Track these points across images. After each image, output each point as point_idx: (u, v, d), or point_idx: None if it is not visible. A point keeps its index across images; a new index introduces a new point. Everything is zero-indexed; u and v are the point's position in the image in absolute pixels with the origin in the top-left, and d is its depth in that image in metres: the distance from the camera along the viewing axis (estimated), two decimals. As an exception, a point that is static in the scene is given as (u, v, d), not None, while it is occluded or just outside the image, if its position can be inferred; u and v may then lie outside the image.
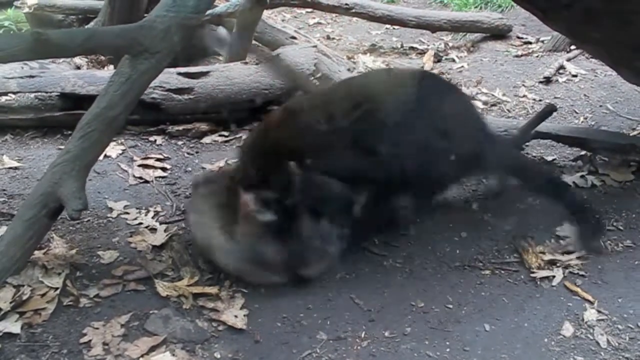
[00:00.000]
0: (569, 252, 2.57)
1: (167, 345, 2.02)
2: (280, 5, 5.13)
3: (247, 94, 3.46)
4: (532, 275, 2.44)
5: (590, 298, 2.31)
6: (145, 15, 3.89)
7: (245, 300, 2.22)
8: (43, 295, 2.15)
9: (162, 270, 2.34)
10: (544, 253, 2.56)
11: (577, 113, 3.87)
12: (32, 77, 3.32)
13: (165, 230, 2.56)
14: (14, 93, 3.29)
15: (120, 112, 2.22)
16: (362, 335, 2.12)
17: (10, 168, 2.99)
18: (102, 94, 2.23)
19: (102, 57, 4.33)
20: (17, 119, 3.33)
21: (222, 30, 4.52)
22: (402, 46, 5.37)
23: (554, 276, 2.43)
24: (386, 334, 2.14)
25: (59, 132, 3.36)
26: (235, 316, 2.14)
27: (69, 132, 3.21)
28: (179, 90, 3.36)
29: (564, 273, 2.45)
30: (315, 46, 3.83)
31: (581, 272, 2.46)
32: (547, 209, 2.84)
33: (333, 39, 5.64)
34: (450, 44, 5.28)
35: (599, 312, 2.24)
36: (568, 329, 2.16)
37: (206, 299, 2.21)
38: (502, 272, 2.48)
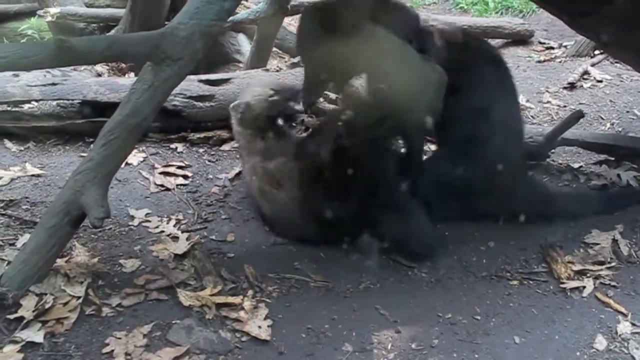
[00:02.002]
0: (599, 262, 2.50)
1: (189, 356, 1.99)
2: (300, 12, 5.10)
3: (268, 101, 3.43)
4: (562, 285, 2.38)
5: (623, 310, 2.25)
6: (166, 23, 3.92)
7: (268, 311, 2.18)
8: (65, 304, 2.13)
9: (184, 279, 2.31)
10: (573, 263, 2.50)
11: (603, 119, 3.80)
12: (55, 84, 3.33)
13: (187, 239, 2.53)
14: (37, 101, 3.30)
15: (142, 120, 2.20)
16: (389, 347, 2.08)
17: (32, 175, 2.99)
18: (125, 101, 2.22)
19: (123, 65, 4.34)
20: (40, 126, 3.33)
21: (242, 37, 4.52)
22: (422, 52, 5.32)
23: (584, 287, 2.37)
24: (413, 345, 2.09)
25: (80, 140, 3.35)
26: (259, 327, 2.10)
27: (91, 139, 3.23)
28: (200, 98, 3.34)
29: (594, 284, 2.39)
30: (336, 52, 3.79)
31: (612, 283, 2.40)
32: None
33: (353, 45, 5.61)
34: (472, 50, 5.22)
35: (633, 324, 2.18)
36: (601, 342, 2.10)
37: (229, 309, 2.17)
38: (531, 282, 2.42)
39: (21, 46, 2.13)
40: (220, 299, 2.21)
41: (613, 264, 2.50)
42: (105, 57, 2.70)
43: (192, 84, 3.35)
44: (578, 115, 3.04)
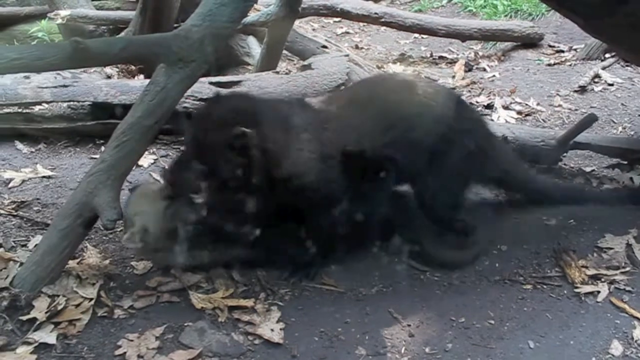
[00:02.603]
0: (613, 267, 2.48)
1: (202, 358, 1.98)
2: (309, 15, 5.12)
3: (279, 104, 3.42)
4: (576, 290, 2.36)
5: (638, 315, 2.22)
6: (176, 25, 3.92)
7: (281, 314, 2.17)
8: (77, 305, 2.12)
9: (196, 282, 2.30)
10: (587, 267, 2.48)
11: (614, 123, 3.78)
12: (66, 86, 3.34)
13: (198, 241, 2.53)
14: (48, 102, 3.31)
15: (155, 122, 2.20)
16: (402, 351, 2.07)
17: (43, 177, 3.00)
18: (138, 103, 2.22)
19: (133, 67, 4.35)
20: (51, 128, 3.34)
21: (252, 40, 4.51)
22: (431, 55, 5.32)
23: (599, 291, 2.35)
24: (427, 350, 2.07)
25: (91, 141, 3.36)
26: (272, 330, 2.09)
27: (101, 141, 3.23)
28: (211, 100, 3.34)
29: (609, 288, 2.37)
30: (347, 55, 3.79)
31: (627, 288, 2.37)
32: (587, 221, 2.77)
33: (362, 48, 5.61)
34: (481, 53, 5.21)
35: (649, 330, 2.16)
36: (617, 348, 2.08)
37: (242, 312, 2.16)
38: (544, 286, 2.40)
39: (36, 47, 2.12)
40: (233, 302, 2.20)
41: (627, 268, 2.47)
42: (120, 59, 2.70)
43: (202, 86, 3.35)
44: (591, 119, 3.02)
